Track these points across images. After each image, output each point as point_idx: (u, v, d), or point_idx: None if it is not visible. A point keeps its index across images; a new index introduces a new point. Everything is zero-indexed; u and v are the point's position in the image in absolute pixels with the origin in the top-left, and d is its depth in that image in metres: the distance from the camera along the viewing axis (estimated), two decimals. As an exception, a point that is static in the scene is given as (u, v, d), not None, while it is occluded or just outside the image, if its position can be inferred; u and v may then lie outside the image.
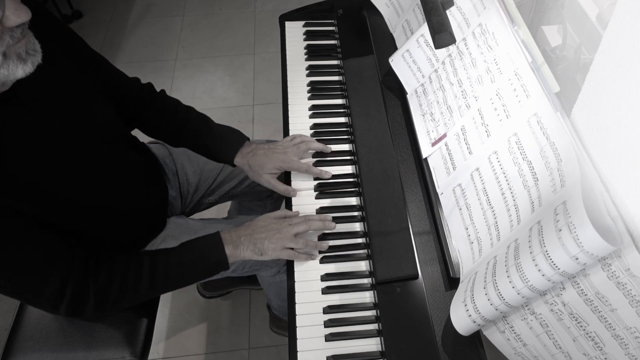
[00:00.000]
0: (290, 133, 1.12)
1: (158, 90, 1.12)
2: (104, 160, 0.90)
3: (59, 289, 0.80)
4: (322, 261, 0.92)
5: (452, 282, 0.84)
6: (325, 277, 0.90)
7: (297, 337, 0.83)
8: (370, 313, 0.86)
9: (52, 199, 0.80)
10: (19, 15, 0.64)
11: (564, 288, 0.64)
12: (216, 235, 0.93)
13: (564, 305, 0.65)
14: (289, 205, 1.02)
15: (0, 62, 0.66)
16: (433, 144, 0.95)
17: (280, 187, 1.02)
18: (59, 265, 0.80)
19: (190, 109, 1.11)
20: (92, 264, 0.85)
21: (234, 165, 1.09)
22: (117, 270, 0.87)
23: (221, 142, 1.08)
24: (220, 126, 1.11)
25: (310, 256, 0.92)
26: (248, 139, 1.10)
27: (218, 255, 0.92)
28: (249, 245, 0.92)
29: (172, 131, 1.09)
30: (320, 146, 1.05)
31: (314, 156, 1.07)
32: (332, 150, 1.07)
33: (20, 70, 0.68)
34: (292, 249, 0.92)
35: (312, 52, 1.26)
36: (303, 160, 1.05)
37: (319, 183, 1.03)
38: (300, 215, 0.97)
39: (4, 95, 0.72)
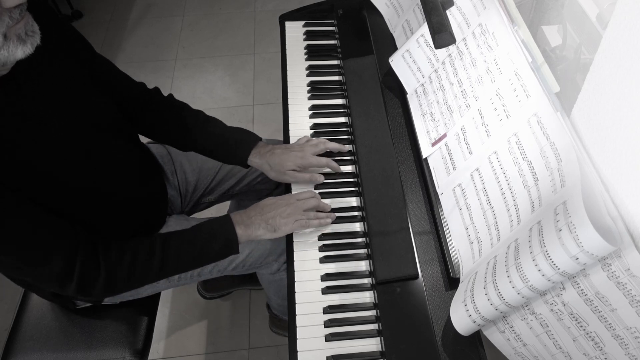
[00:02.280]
0: (290, 133, 1.12)
1: (166, 94, 1.12)
2: (99, 146, 0.91)
3: (65, 267, 0.81)
4: (322, 261, 0.92)
5: (452, 282, 0.84)
6: (325, 277, 0.90)
7: (297, 337, 0.83)
8: (370, 313, 0.86)
9: (48, 180, 0.80)
10: None
11: (564, 288, 0.64)
12: (227, 217, 0.95)
13: (564, 305, 0.65)
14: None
15: (1, 43, 0.66)
16: (433, 144, 0.95)
17: (306, 176, 1.03)
18: (63, 244, 0.81)
19: (198, 113, 1.11)
20: (102, 243, 0.86)
21: (247, 167, 1.08)
22: (128, 248, 0.88)
23: (232, 145, 1.07)
24: (231, 128, 1.10)
25: (321, 223, 0.95)
26: (261, 139, 1.10)
27: (229, 236, 0.93)
28: (261, 223, 0.94)
29: (180, 136, 1.09)
30: (337, 146, 1.06)
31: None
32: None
33: (20, 51, 0.69)
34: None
35: (312, 52, 1.26)
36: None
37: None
38: (305, 192, 0.99)
39: (4, 78, 0.74)
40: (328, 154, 1.06)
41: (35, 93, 0.80)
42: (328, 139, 1.08)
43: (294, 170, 1.03)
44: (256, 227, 0.94)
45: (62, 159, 0.83)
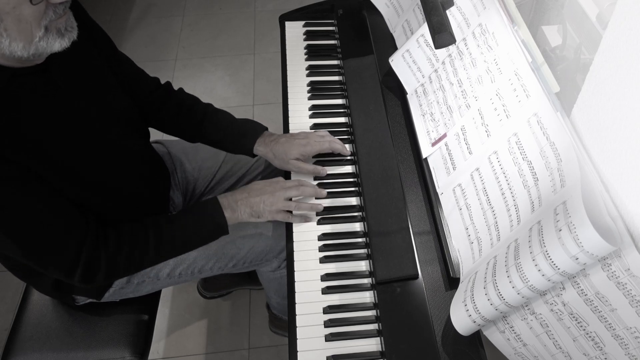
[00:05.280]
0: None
1: (176, 88, 1.15)
2: (115, 142, 0.94)
3: (74, 256, 0.85)
4: (322, 261, 0.92)
5: (452, 282, 0.84)
6: (325, 277, 0.90)
7: (297, 337, 0.83)
8: (370, 313, 0.86)
9: (64, 172, 0.83)
10: None
11: (564, 288, 0.64)
12: (215, 200, 0.97)
13: (564, 305, 0.65)
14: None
15: (42, 34, 0.72)
16: (433, 144, 0.95)
17: (309, 167, 1.04)
18: (76, 234, 0.85)
19: (207, 105, 1.14)
20: (102, 233, 0.89)
21: (253, 156, 1.11)
22: (125, 239, 0.91)
23: (238, 135, 1.10)
24: (238, 119, 1.14)
25: (306, 218, 0.97)
26: (266, 128, 1.12)
27: (218, 220, 0.96)
28: (246, 208, 0.96)
29: (190, 127, 1.12)
30: (342, 147, 1.06)
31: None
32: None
33: (57, 44, 0.74)
34: (287, 212, 0.96)
35: (312, 52, 1.26)
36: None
37: (318, 183, 1.03)
38: (293, 180, 1.01)
39: (38, 67, 0.78)
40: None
41: (68, 86, 0.84)
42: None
43: (297, 159, 1.04)
44: (241, 211, 0.97)
45: (81, 152, 0.86)
